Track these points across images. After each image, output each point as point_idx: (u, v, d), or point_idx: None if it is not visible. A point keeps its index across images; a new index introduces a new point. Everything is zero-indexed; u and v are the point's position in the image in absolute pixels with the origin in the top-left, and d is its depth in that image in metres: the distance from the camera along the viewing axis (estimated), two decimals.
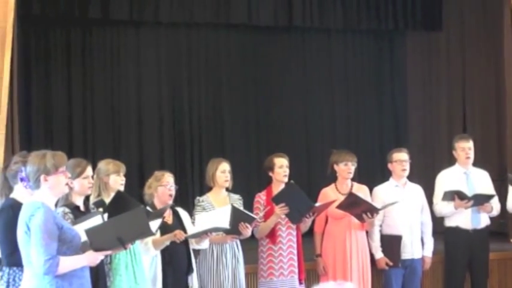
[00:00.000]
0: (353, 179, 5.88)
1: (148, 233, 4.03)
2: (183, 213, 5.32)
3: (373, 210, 5.60)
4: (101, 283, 4.45)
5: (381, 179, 6.26)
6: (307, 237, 5.87)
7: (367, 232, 5.90)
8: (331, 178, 5.91)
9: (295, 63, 9.74)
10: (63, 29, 8.88)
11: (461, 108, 9.52)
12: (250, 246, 5.84)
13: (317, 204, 5.57)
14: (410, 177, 6.12)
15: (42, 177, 3.72)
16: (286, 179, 5.66)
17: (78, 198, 4.43)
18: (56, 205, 4.02)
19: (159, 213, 4.87)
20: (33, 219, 3.64)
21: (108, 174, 4.98)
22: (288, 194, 5.47)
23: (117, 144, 9.07)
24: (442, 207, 6.10)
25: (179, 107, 9.34)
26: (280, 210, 5.43)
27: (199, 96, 9.43)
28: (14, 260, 4.10)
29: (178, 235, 4.96)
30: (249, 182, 8.38)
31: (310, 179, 9.05)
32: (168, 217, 5.15)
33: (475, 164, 6.24)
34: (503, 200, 6.21)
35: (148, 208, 4.98)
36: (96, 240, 3.78)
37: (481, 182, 6.19)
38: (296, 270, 5.63)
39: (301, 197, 5.46)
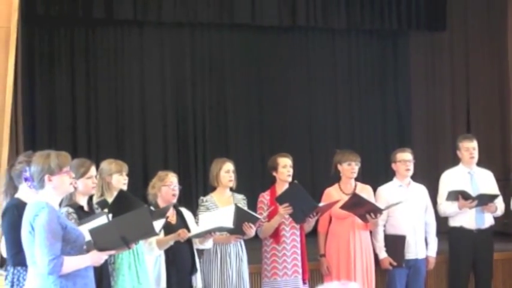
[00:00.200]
0: (357, 179, 5.87)
1: (152, 233, 4.03)
2: (186, 213, 5.32)
3: (376, 210, 5.60)
4: (105, 283, 4.46)
5: (385, 179, 6.24)
6: (310, 237, 5.87)
7: (371, 232, 5.89)
8: (335, 178, 5.90)
9: (299, 63, 9.72)
10: (67, 29, 8.90)
11: (465, 108, 9.51)
12: (254, 246, 5.83)
13: (321, 204, 5.56)
14: (414, 177, 6.11)
15: (46, 177, 3.72)
16: (290, 179, 5.66)
17: (82, 198, 4.44)
18: (60, 205, 4.03)
19: (162, 212, 4.87)
20: (37, 219, 3.64)
21: (111, 174, 4.98)
22: (291, 194, 5.47)
23: (121, 144, 9.07)
24: (446, 207, 6.08)
25: (183, 106, 9.34)
26: (284, 210, 5.43)
27: (203, 96, 9.43)
28: (19, 259, 4.11)
29: (181, 234, 4.96)
30: (253, 182, 8.33)
31: (313, 178, 9.06)
32: (172, 217, 5.15)
33: (479, 164, 6.22)
34: (507, 200, 6.20)
35: (151, 208, 4.99)
36: (100, 240, 3.78)
37: (485, 182, 6.17)
38: (300, 270, 5.62)
39: (305, 197, 5.45)
